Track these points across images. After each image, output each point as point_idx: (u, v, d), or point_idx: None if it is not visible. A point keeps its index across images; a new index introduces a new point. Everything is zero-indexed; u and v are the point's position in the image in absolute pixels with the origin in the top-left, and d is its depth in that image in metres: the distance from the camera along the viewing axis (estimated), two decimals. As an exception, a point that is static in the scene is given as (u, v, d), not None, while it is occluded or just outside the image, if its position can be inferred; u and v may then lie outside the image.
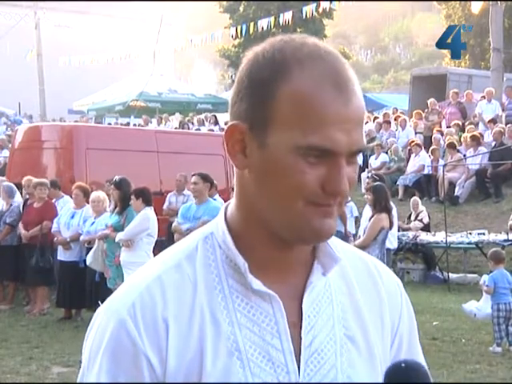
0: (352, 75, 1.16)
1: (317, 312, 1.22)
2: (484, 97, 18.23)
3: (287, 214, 1.15)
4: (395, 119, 19.51)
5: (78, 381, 1.21)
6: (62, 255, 10.01)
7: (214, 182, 10.04)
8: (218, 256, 1.21)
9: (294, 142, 1.13)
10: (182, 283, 1.19)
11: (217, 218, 1.26)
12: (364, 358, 1.24)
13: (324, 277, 1.24)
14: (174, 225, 9.33)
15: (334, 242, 1.28)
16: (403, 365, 1.18)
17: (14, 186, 11.04)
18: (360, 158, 17.65)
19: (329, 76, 1.14)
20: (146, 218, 8.35)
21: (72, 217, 10.03)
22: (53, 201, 10.69)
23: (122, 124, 21.86)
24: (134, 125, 22.17)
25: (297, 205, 1.15)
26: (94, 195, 9.57)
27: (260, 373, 1.17)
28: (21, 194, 11.39)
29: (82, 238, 9.69)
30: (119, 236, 8.44)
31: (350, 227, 12.56)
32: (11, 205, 10.80)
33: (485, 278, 8.22)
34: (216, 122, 22.17)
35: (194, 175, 9.17)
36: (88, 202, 9.98)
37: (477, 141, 15.28)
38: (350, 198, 12.27)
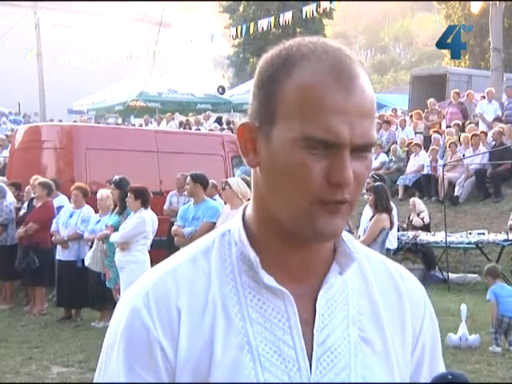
0: (357, 70, 1.16)
1: (331, 311, 1.22)
2: (484, 96, 18.23)
3: (293, 211, 1.16)
4: (388, 117, 19.57)
5: (98, 367, 1.23)
6: (60, 254, 10.01)
7: (214, 182, 10.03)
8: (233, 252, 1.23)
9: (294, 134, 1.13)
10: (196, 276, 1.21)
11: (236, 215, 1.27)
12: (381, 360, 1.23)
13: (341, 276, 1.24)
14: (173, 228, 9.32)
15: (356, 245, 1.28)
16: (450, 376, 1.19)
17: (4, 186, 11.07)
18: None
19: (330, 69, 1.14)
20: (142, 222, 8.27)
21: (70, 216, 10.04)
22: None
23: (127, 124, 21.85)
24: (133, 125, 22.18)
25: (302, 202, 1.14)
26: (100, 193, 9.55)
27: (270, 367, 1.17)
28: (17, 194, 11.44)
29: (86, 235, 9.70)
30: (114, 237, 8.41)
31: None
32: (2, 204, 10.81)
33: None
34: (220, 123, 22.14)
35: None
36: (87, 203, 10.01)
37: (480, 138, 15.25)
38: None
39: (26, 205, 11.06)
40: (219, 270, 1.22)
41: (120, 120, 24.90)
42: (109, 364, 1.20)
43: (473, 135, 15.44)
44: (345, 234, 1.27)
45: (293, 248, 1.20)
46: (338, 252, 1.24)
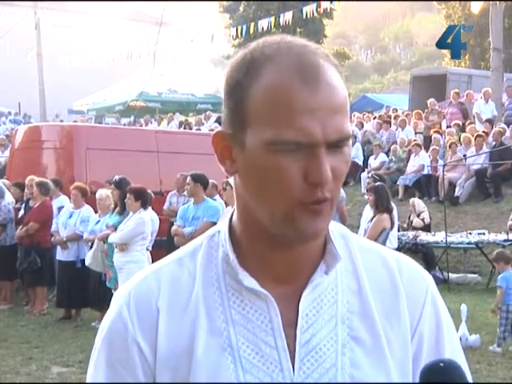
0: (324, 65, 1.14)
1: (317, 311, 1.21)
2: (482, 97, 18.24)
3: (275, 214, 1.15)
4: (394, 118, 19.55)
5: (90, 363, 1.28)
6: (60, 255, 10.01)
7: (214, 182, 10.02)
8: (219, 253, 1.23)
9: (266, 138, 1.12)
10: (180, 275, 1.23)
11: (226, 217, 1.27)
12: (372, 358, 1.21)
13: (327, 276, 1.22)
14: (173, 228, 9.33)
15: (351, 239, 1.28)
16: (441, 364, 1.14)
17: (3, 186, 11.06)
18: (360, 158, 17.70)
19: (295, 68, 1.12)
20: (141, 223, 8.25)
21: (70, 217, 10.03)
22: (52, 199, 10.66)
23: (138, 124, 21.81)
24: (141, 125, 22.16)
25: (284, 205, 1.13)
26: (99, 193, 9.53)
27: (252, 369, 1.17)
28: (21, 194, 11.41)
29: (85, 236, 9.69)
30: (113, 238, 8.40)
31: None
32: (1, 204, 10.80)
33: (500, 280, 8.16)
34: (221, 123, 22.14)
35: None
36: (87, 203, 10.00)
37: (482, 138, 15.24)
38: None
39: (23, 205, 11.05)
40: (204, 271, 1.22)
41: (129, 120, 24.81)
42: (92, 359, 1.24)
43: (476, 136, 15.41)
44: (339, 229, 1.27)
45: (277, 250, 1.20)
46: (326, 251, 1.23)
